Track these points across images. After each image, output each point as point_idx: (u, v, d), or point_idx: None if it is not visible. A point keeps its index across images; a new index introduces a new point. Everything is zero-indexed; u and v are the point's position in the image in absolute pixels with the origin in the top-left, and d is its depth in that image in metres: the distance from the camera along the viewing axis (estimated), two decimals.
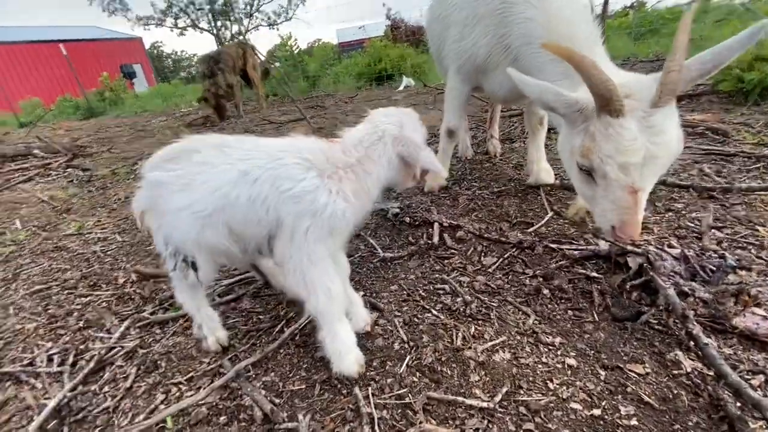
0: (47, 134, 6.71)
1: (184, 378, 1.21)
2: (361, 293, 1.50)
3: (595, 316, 1.24)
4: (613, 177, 1.17)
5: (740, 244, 1.48)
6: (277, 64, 10.89)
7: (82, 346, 1.42)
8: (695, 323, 1.04)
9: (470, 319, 1.29)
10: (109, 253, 2.14)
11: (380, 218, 2.08)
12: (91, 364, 1.30)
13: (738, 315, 1.11)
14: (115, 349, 1.38)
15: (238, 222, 1.05)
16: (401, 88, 7.53)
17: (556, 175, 2.24)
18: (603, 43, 1.55)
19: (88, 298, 1.72)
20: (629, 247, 1.34)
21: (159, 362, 1.29)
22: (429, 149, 1.15)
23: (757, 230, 1.53)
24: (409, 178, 1.17)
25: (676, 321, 1.15)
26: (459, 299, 1.38)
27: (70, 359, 1.35)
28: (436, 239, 1.73)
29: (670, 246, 1.45)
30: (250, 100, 7.79)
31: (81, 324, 1.54)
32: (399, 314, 1.37)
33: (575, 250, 1.53)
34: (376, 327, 1.31)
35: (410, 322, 1.32)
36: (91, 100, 11.42)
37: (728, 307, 1.13)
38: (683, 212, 1.74)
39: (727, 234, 1.54)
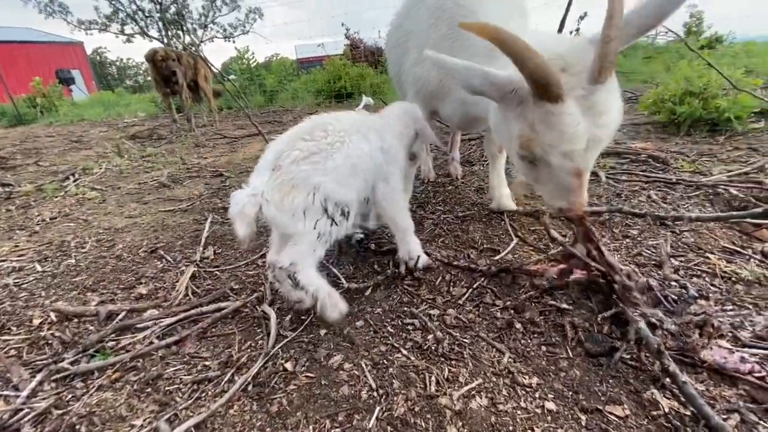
0: None
1: None
2: (323, 331, 1.38)
3: (569, 351, 1.20)
4: (558, 165, 1.12)
5: (695, 272, 1.53)
6: (233, 76, 10.56)
7: None
8: (671, 360, 1.03)
9: (443, 359, 1.20)
10: (24, 286, 1.83)
11: (343, 245, 1.97)
12: None
13: (705, 348, 1.12)
14: (23, 411, 1.13)
15: (366, 170, 1.43)
16: (361, 106, 7.53)
17: (517, 200, 2.26)
18: None
19: None
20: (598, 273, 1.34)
21: (78, 427, 1.07)
22: (430, 128, 1.78)
23: (708, 258, 1.60)
24: (423, 150, 1.82)
25: (648, 356, 1.13)
26: (430, 336, 1.29)
27: None
28: (403, 269, 1.64)
29: (634, 274, 1.47)
30: (201, 113, 7.41)
31: None
32: (366, 354, 1.25)
33: (544, 280, 1.51)
34: (341, 372, 1.19)
35: (379, 364, 1.21)
36: (20, 106, 10.33)
37: (695, 340, 1.14)
38: (639, 239, 1.80)
39: (681, 262, 1.59)
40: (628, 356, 1.16)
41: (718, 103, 3.29)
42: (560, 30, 2.99)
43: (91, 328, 1.49)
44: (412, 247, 1.63)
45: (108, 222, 2.57)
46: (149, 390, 1.18)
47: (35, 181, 3.72)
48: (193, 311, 1.52)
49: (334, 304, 1.33)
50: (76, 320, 1.54)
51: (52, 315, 1.56)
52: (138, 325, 1.47)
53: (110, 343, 1.39)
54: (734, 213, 1.77)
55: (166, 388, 1.18)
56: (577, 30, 10.37)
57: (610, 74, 1.05)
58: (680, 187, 2.32)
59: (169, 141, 5.57)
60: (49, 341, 1.44)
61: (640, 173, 2.60)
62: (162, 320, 1.48)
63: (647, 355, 1.14)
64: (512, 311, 1.39)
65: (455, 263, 1.69)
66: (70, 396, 1.19)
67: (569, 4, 2.97)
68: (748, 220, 1.77)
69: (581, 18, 10.21)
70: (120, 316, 1.54)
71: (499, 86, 1.15)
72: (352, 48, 11.09)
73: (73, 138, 6.43)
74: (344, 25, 11.13)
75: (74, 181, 3.65)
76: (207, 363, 1.27)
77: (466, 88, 1.19)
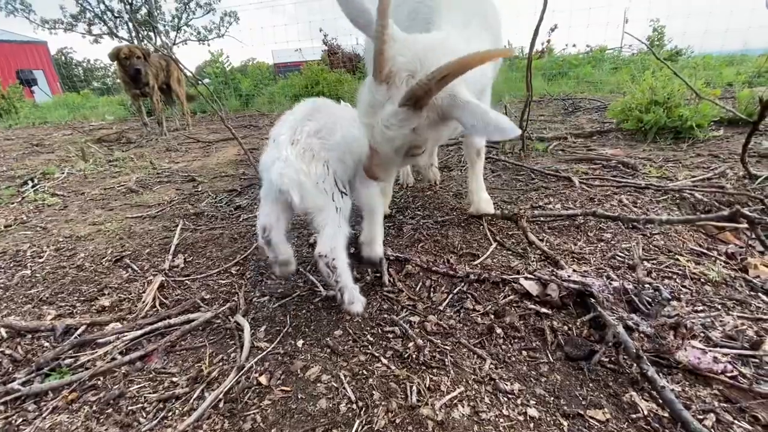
0: None
1: None
2: (301, 341, 1.32)
3: (549, 356, 1.20)
4: None
5: (666, 274, 1.57)
6: (207, 80, 10.31)
7: None
8: (649, 365, 1.04)
9: (424, 367, 1.17)
10: None
11: None
12: None
13: (679, 349, 1.13)
14: None
15: (354, 153, 1.45)
16: None
17: (495, 205, 2.28)
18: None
19: None
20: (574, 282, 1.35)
21: None
22: None
23: (678, 260, 1.65)
24: None
25: (626, 358, 1.14)
26: (411, 344, 1.26)
27: None
28: (386, 278, 1.61)
29: (609, 278, 1.49)
30: (174, 116, 7.18)
31: None
32: (345, 365, 1.21)
33: (524, 280, 1.51)
34: (319, 384, 1.14)
35: (358, 374, 1.16)
36: None
37: (669, 341, 1.16)
38: (613, 242, 1.83)
39: (653, 264, 1.63)
40: (607, 359, 1.17)
41: (681, 112, 3.45)
42: (533, 40, 3.07)
43: (46, 344, 1.38)
44: (375, 235, 1.65)
45: (69, 229, 2.42)
46: (110, 411, 1.09)
47: None
48: (160, 324, 1.43)
49: (358, 298, 1.43)
50: (29, 336, 1.43)
51: (2, 331, 1.43)
52: (99, 340, 1.37)
53: (67, 361, 1.29)
54: (702, 216, 1.84)
55: (129, 408, 1.10)
56: (548, 41, 10.73)
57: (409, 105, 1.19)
58: (649, 192, 2.39)
59: (139, 145, 5.35)
60: None
61: (611, 178, 2.68)
62: (126, 334, 1.39)
63: (625, 357, 1.15)
64: (493, 316, 1.38)
65: (435, 268, 1.67)
66: (20, 420, 1.09)
67: (542, 16, 3.05)
68: (713, 222, 1.85)
69: (552, 30, 10.56)
70: (79, 331, 1.44)
71: None
72: (329, 54, 11.05)
73: (34, 141, 6.07)
74: (322, 31, 11.09)
75: (33, 186, 3.43)
76: (174, 379, 1.19)
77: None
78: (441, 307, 1.45)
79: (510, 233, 2.00)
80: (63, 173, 3.84)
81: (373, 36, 1.18)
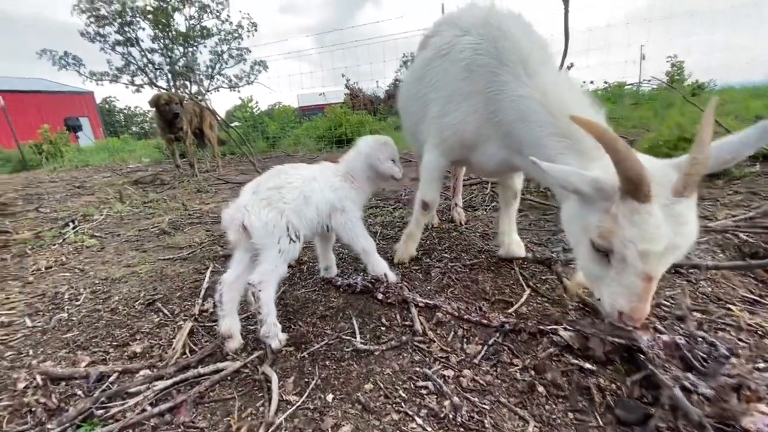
0: None
1: None
2: (330, 396, 1.28)
3: (599, 419, 1.11)
4: (632, 263, 1.13)
5: (718, 326, 1.46)
6: (237, 123, 10.90)
7: None
8: None
9: (462, 429, 1.10)
10: (12, 344, 1.73)
11: (348, 295, 1.90)
12: None
13: (745, 414, 1.03)
14: None
15: (319, 203, 1.74)
16: None
17: (525, 247, 2.22)
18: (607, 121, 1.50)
19: None
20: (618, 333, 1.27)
21: None
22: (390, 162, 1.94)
23: (730, 309, 1.54)
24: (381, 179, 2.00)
25: (685, 424, 1.04)
26: (446, 402, 1.19)
27: None
28: (418, 326, 1.56)
29: (657, 331, 1.40)
30: (205, 158, 7.55)
31: None
32: (378, 424, 1.15)
33: (564, 331, 1.43)
34: None
35: None
36: (26, 153, 10.53)
37: (733, 405, 1.05)
38: (657, 289, 1.73)
39: (703, 315, 1.53)
40: (664, 425, 1.07)
41: None
42: None
43: (80, 392, 1.39)
44: (377, 267, 1.88)
45: (105, 271, 2.50)
46: None
47: (34, 227, 3.68)
48: (189, 373, 1.42)
49: (275, 334, 1.53)
50: (63, 383, 1.44)
51: (38, 378, 1.45)
52: (130, 390, 1.36)
53: (99, 411, 1.28)
54: (753, 262, 1.73)
55: None
56: None
57: (694, 191, 1.12)
58: None
59: (172, 186, 5.61)
60: (33, 408, 1.32)
61: None
62: (156, 383, 1.38)
63: (684, 423, 1.05)
64: (533, 372, 1.30)
65: (467, 317, 1.61)
66: None
67: (564, 57, 3.13)
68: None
69: (568, 68, 10.75)
70: (111, 378, 1.44)
71: (591, 185, 1.19)
72: (351, 97, 11.56)
73: (76, 183, 6.47)
74: (344, 76, 11.67)
75: (73, 228, 3.60)
76: None
77: (560, 184, 1.24)
78: (476, 360, 1.39)
79: (543, 278, 1.94)
80: (101, 215, 4.03)
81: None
